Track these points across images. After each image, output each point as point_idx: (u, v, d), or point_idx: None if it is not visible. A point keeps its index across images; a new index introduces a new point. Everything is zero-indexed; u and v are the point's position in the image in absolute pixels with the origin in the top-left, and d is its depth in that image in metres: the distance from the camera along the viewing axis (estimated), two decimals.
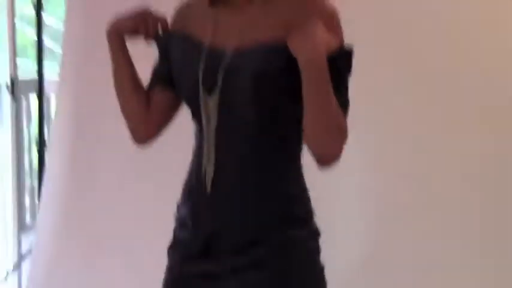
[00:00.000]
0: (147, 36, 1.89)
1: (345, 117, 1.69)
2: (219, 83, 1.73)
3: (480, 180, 3.37)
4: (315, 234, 1.81)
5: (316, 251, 1.81)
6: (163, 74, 1.91)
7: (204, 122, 1.74)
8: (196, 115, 1.77)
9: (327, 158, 1.74)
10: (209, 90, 1.74)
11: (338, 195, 3.44)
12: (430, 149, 3.37)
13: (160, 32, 1.90)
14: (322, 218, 1.88)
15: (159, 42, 1.92)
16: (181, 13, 1.91)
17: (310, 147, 1.73)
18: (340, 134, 1.69)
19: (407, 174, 3.38)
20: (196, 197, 1.81)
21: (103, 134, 3.52)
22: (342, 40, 1.71)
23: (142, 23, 1.87)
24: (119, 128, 2.84)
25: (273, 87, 1.71)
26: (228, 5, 1.79)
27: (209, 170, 1.76)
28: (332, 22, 1.72)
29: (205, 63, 1.75)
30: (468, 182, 3.37)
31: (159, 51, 1.94)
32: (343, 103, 1.70)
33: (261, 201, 1.78)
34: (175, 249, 1.88)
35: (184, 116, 1.87)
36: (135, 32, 1.85)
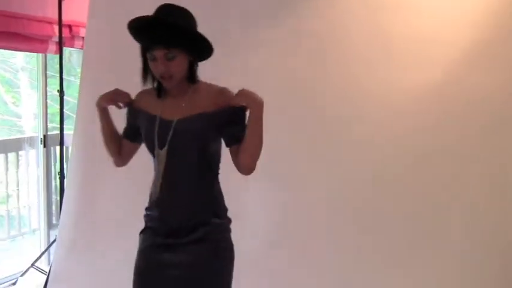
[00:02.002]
0: (118, 106, 2.30)
1: None
2: (168, 141, 2.12)
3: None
4: (229, 222, 2.27)
5: (229, 231, 2.26)
6: (128, 132, 2.36)
7: (157, 164, 2.16)
8: (154, 159, 2.20)
9: (253, 167, 2.12)
10: (161, 146, 2.14)
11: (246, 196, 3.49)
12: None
13: (126, 102, 2.28)
14: (234, 211, 2.29)
15: (128, 110, 2.31)
16: (142, 96, 2.29)
17: (245, 160, 2.10)
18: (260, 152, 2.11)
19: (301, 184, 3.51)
20: (160, 203, 2.20)
21: (101, 169, 3.79)
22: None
23: (114, 99, 2.27)
24: (113, 166, 3.56)
25: (206, 137, 2.12)
26: (169, 96, 2.19)
27: (157, 190, 2.17)
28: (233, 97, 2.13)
29: (158, 129, 2.15)
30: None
31: (127, 118, 2.34)
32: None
33: (200, 203, 2.18)
34: (146, 232, 2.26)
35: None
36: (111, 104, 2.29)
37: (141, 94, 2.30)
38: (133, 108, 2.31)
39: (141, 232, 2.30)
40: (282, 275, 3.49)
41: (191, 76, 2.18)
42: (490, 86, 3.23)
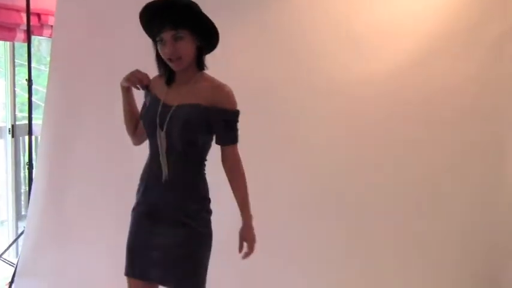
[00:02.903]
0: (136, 87, 2.36)
1: (237, 152, 2.31)
2: (166, 123, 2.23)
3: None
4: (209, 212, 2.36)
5: (209, 221, 2.34)
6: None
7: (159, 145, 2.25)
8: (153, 140, 2.29)
9: None
10: (161, 127, 2.25)
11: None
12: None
13: (143, 85, 2.34)
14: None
15: (146, 92, 2.39)
16: (155, 79, 2.37)
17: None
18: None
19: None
20: (150, 183, 2.32)
21: (71, 160, 3.87)
22: (235, 107, 2.28)
23: (132, 80, 2.32)
24: (82, 156, 3.65)
25: (194, 127, 2.23)
26: (175, 83, 2.31)
27: (164, 170, 2.25)
28: (232, 100, 2.28)
29: (160, 112, 2.26)
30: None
31: (145, 100, 2.43)
32: (234, 139, 2.30)
33: (184, 189, 2.27)
34: (136, 211, 2.37)
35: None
36: (130, 84, 2.34)
37: (155, 78, 2.40)
38: (147, 90, 2.40)
39: (133, 210, 2.39)
40: (255, 267, 3.32)
41: (199, 63, 2.30)
42: (455, 77, 3.30)
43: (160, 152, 2.26)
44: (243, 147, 3.30)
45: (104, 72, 3.70)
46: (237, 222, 2.39)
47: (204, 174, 2.35)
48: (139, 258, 2.34)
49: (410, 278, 3.35)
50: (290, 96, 3.51)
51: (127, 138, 2.51)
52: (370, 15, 3.41)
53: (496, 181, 3.30)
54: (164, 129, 2.24)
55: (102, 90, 3.68)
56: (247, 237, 2.36)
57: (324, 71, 3.46)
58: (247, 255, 2.37)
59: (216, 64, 3.39)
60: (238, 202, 2.36)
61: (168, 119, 2.24)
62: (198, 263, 2.30)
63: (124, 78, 2.37)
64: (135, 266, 2.35)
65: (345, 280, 3.41)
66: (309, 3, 3.50)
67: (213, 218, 2.37)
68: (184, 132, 2.23)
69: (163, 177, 2.26)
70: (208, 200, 2.36)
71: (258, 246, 3.11)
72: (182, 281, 2.28)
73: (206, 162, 2.36)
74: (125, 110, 2.48)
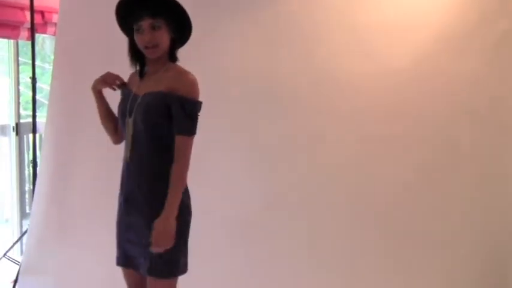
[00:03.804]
0: (112, 88, 2.46)
1: (188, 145, 2.25)
2: (133, 111, 2.31)
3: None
4: (183, 201, 2.28)
5: (182, 208, 2.28)
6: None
7: (126, 131, 2.36)
8: (124, 127, 2.39)
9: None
10: (130, 115, 2.33)
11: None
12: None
13: (119, 83, 2.45)
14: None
15: (121, 91, 2.48)
16: (131, 76, 2.48)
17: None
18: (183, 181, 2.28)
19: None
20: (126, 173, 2.38)
21: (74, 158, 3.85)
22: (195, 96, 2.27)
23: (107, 82, 2.44)
24: (86, 154, 3.64)
25: (154, 113, 2.27)
26: (146, 76, 2.39)
27: (127, 154, 2.34)
28: (192, 88, 2.28)
29: (130, 102, 2.35)
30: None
31: (121, 96, 2.49)
32: (188, 130, 2.26)
33: (153, 177, 2.31)
34: (118, 200, 2.44)
35: None
36: (105, 86, 2.45)
37: (131, 75, 2.50)
38: (123, 89, 2.47)
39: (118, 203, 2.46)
40: (257, 265, 3.44)
41: (171, 55, 2.37)
42: (457, 76, 3.28)
43: (127, 139, 2.37)
44: (252, 141, 3.34)
45: (108, 70, 3.52)
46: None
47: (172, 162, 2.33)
48: (121, 247, 2.43)
49: (414, 278, 3.34)
50: (299, 91, 3.51)
51: None
52: (376, 13, 3.41)
53: (499, 180, 3.28)
54: (132, 117, 2.32)
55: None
56: (156, 226, 2.22)
57: (332, 67, 3.46)
58: (154, 247, 2.23)
59: (228, 59, 3.52)
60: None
61: (135, 107, 2.32)
62: (171, 249, 2.26)
63: (98, 80, 2.46)
64: (119, 254, 2.44)
65: (346, 279, 3.40)
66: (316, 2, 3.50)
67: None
68: (146, 118, 2.27)
69: (127, 160, 2.36)
70: (184, 191, 2.32)
71: (262, 241, 3.22)
72: (156, 265, 2.26)
73: None
74: (101, 113, 2.55)
